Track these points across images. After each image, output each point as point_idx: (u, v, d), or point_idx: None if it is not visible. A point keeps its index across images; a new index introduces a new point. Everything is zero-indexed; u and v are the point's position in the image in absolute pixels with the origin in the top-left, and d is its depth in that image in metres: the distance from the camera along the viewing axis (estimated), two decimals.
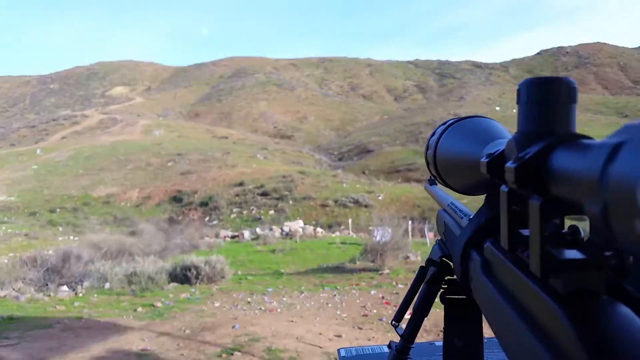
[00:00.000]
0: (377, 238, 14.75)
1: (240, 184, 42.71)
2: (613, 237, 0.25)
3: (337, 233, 28.50)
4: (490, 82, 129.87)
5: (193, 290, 12.13)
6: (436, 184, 1.01)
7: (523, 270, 0.36)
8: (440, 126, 0.68)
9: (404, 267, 14.63)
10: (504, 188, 0.38)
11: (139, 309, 10.20)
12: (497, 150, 0.42)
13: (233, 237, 27.80)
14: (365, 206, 36.28)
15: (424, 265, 0.84)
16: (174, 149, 59.57)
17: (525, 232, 0.38)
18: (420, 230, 28.40)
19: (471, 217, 0.61)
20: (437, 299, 0.82)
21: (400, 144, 67.89)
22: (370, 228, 23.50)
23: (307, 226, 28.61)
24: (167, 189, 43.08)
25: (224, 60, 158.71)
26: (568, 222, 0.35)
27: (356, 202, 37.15)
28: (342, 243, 22.32)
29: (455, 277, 0.77)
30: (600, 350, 0.28)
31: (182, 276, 13.09)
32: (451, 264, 0.79)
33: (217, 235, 28.25)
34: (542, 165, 0.33)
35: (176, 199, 40.75)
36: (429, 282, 0.82)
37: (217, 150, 61.53)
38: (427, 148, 0.69)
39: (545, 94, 0.35)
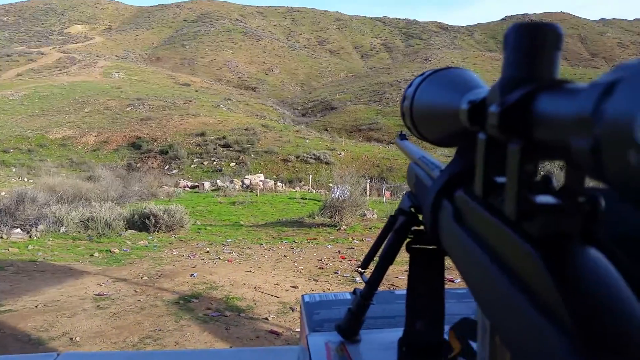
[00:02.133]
0: (337, 195, 14.90)
1: (202, 134, 41.91)
2: (602, 173, 0.25)
3: (298, 189, 28.67)
4: (455, 45, 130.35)
5: (151, 238, 12.07)
6: (407, 139, 1.03)
7: (497, 215, 0.37)
8: (417, 77, 0.66)
9: (360, 224, 14.94)
10: (481, 136, 0.39)
11: (96, 254, 10.10)
12: (478, 98, 0.42)
13: (193, 187, 27.57)
14: (326, 163, 36.29)
15: (393, 214, 0.86)
16: (133, 94, 57.63)
17: (500, 179, 0.39)
18: (378, 189, 28.85)
19: (443, 168, 0.62)
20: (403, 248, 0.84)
21: (363, 103, 67.86)
22: (330, 185, 23.65)
23: (268, 180, 28.63)
24: (125, 135, 41.95)
25: (188, 2, 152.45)
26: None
27: (317, 158, 37.17)
28: (302, 198, 22.53)
29: (422, 227, 0.80)
30: (573, 290, 0.29)
31: (140, 224, 12.98)
32: (420, 216, 0.81)
33: (176, 185, 27.93)
34: (527, 107, 0.33)
35: (135, 146, 39.78)
36: (397, 231, 0.83)
37: (179, 97, 59.92)
38: (404, 99, 0.69)
39: (534, 40, 0.36)
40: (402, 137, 1.03)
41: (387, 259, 0.85)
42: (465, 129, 0.43)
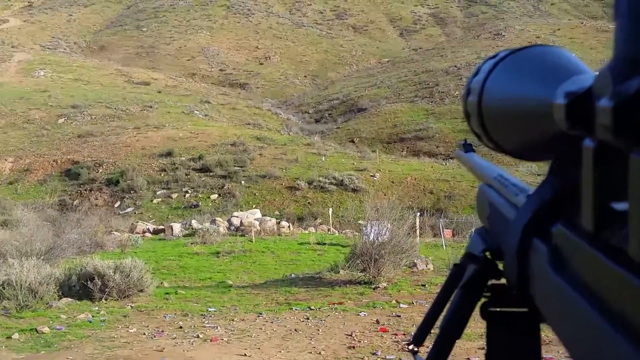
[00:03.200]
0: (371, 237, 14.88)
1: (168, 154, 42.42)
2: None
3: (312, 229, 28.64)
4: (540, 12, 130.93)
5: (97, 309, 12.13)
6: (474, 150, 1.02)
7: (617, 258, 0.36)
8: (487, 61, 0.68)
9: (408, 279, 14.81)
10: (588, 143, 0.39)
11: (15, 336, 10.14)
12: (581, 88, 0.42)
13: (157, 232, 27.61)
14: (354, 190, 36.51)
15: (458, 262, 0.85)
16: (67, 99, 58.74)
17: (619, 205, 0.38)
18: (434, 227, 28.65)
19: (531, 192, 0.62)
20: (476, 312, 0.83)
21: (406, 100, 68.12)
22: (361, 223, 23.51)
23: (267, 218, 28.54)
24: (56, 159, 42.62)
25: None
26: None
27: (340, 184, 37.30)
28: (318, 244, 22.42)
29: (504, 280, 0.77)
30: None
31: (81, 289, 13.03)
32: (498, 263, 0.80)
33: (132, 230, 28.03)
34: None
35: (70, 174, 40.36)
36: (465, 288, 0.82)
37: (134, 102, 60.89)
38: (467, 93, 0.70)
39: None
40: (467, 147, 1.04)
41: (453, 331, 0.84)
42: (563, 134, 0.43)
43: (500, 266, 0.78)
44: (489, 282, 0.80)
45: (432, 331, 0.89)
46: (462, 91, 0.72)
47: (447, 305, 0.85)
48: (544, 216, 0.52)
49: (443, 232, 24.57)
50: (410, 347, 0.91)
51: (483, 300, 0.81)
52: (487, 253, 0.80)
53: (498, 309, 0.78)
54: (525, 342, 0.78)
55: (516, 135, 0.59)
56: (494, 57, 0.67)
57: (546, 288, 0.47)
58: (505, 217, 0.69)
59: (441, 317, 0.86)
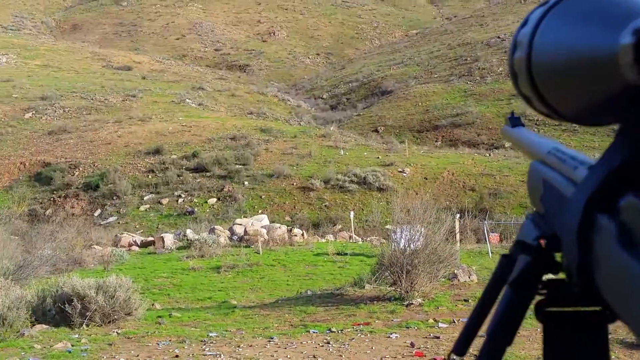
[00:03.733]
0: (401, 245, 14.95)
1: (157, 152, 42.78)
2: None
3: (330, 237, 28.67)
4: None
5: (77, 337, 12.20)
6: (523, 124, 1.04)
7: None
8: (536, 9, 0.68)
9: (448, 293, 14.83)
10: None
11: None
12: None
13: (145, 244, 27.59)
14: (379, 189, 36.55)
15: (507, 253, 0.84)
16: (34, 90, 58.95)
17: None
18: (477, 230, 28.50)
19: (593, 163, 0.62)
20: (530, 312, 0.82)
21: (440, 80, 67.86)
22: (389, 227, 23.33)
23: (277, 225, 28.54)
24: (24, 161, 42.81)
25: None
26: None
27: (363, 182, 37.38)
28: (338, 254, 22.48)
29: (562, 276, 0.78)
30: None
31: (57, 313, 13.11)
32: (556, 254, 0.79)
33: (116, 243, 28.09)
34: None
35: (41, 179, 40.49)
36: (516, 284, 0.81)
37: (114, 91, 61.08)
38: (514, 48, 0.71)
39: None
40: (515, 121, 1.06)
41: (502, 336, 0.82)
42: (632, 88, 0.44)
43: (559, 257, 0.77)
44: (545, 277, 0.79)
45: (478, 337, 0.87)
46: (509, 49, 0.72)
47: (495, 306, 0.84)
48: (611, 188, 0.52)
49: (488, 236, 24.44)
50: (452, 357, 0.91)
51: (538, 298, 0.79)
52: (542, 242, 0.78)
53: (556, 309, 0.78)
54: (591, 347, 0.77)
55: (574, 95, 0.59)
56: (544, 3, 0.67)
57: (615, 272, 0.47)
58: (562, 195, 0.69)
59: (488, 320, 0.86)
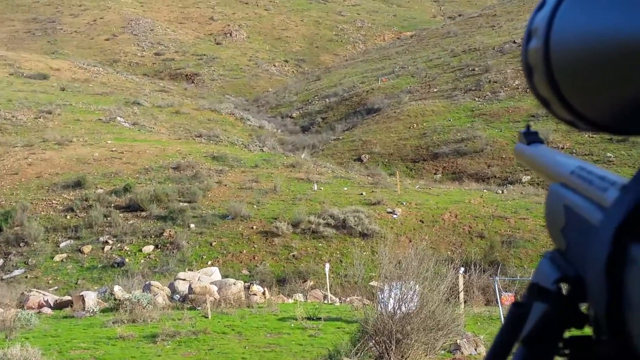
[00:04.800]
0: (390, 306, 15.18)
1: (78, 185, 42.67)
2: None
3: (300, 296, 29.06)
4: None
5: None
6: (541, 141, 1.07)
7: None
8: None
9: None
10: None
11: None
12: None
13: (61, 305, 27.22)
14: (363, 235, 36.69)
15: (519, 301, 0.84)
16: None
17: None
18: (486, 289, 28.40)
19: (625, 183, 0.63)
20: None
21: (441, 95, 68.18)
22: (374, 284, 23.29)
23: (231, 281, 28.50)
24: None
25: None
26: None
27: (342, 226, 37.55)
28: (310, 319, 22.60)
29: (588, 330, 0.77)
30: None
31: None
32: (579, 299, 0.78)
33: (23, 303, 27.68)
34: None
35: None
36: (531, 342, 0.80)
37: (24, 106, 60.83)
38: (529, 37, 0.72)
39: None
40: (531, 137, 1.07)
41: None
42: None
43: (584, 308, 0.76)
44: (567, 332, 0.78)
45: None
46: (522, 41, 0.74)
47: None
48: None
49: (500, 297, 24.43)
50: None
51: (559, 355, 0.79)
52: (564, 285, 0.79)
53: None
54: None
55: (606, 94, 0.58)
56: None
57: None
58: (588, 225, 0.69)
59: None
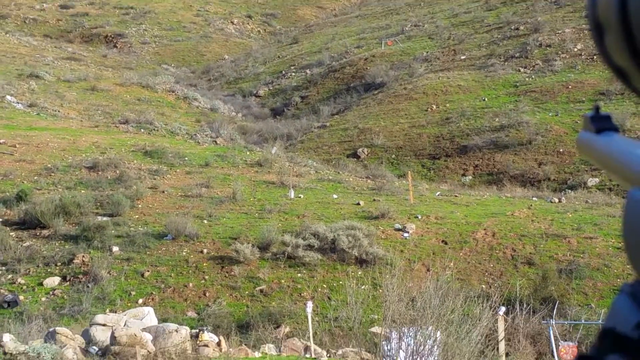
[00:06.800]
0: None
1: None
2: None
3: (270, 348, 29.21)
4: None
5: None
6: (615, 128, 1.04)
7: None
8: None
9: None
10: None
11: None
12: None
13: None
14: (361, 261, 36.94)
15: (586, 354, 0.87)
16: None
17: None
18: (537, 336, 28.35)
19: None
20: None
21: (470, 65, 68.20)
22: (376, 331, 23.39)
23: (171, 326, 28.31)
24: None
25: None
26: None
27: (331, 248, 37.85)
28: None
29: None
30: None
31: None
32: None
33: None
34: None
35: None
36: None
37: None
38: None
39: None
40: (601, 122, 1.06)
41: None
42: None
43: None
44: None
45: None
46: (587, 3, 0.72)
47: None
48: None
49: (558, 347, 24.54)
50: None
51: None
52: None
53: None
54: None
55: None
56: None
57: None
58: None
59: None
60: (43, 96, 65.16)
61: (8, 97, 61.73)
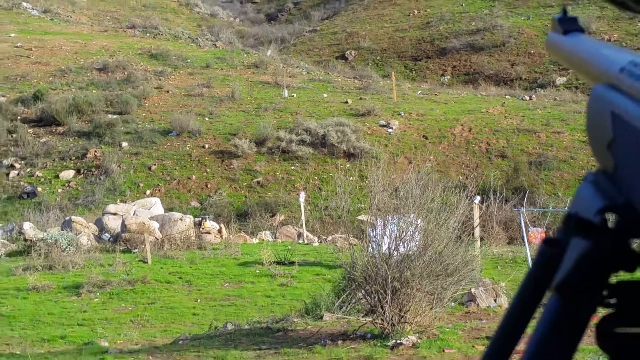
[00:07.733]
0: (385, 246, 15.32)
1: None
2: None
3: (267, 234, 29.52)
4: None
5: None
6: (581, 29, 1.08)
7: None
8: None
9: (460, 326, 15.08)
10: None
11: None
12: None
13: None
14: (349, 155, 37.01)
15: (552, 238, 0.86)
16: None
17: None
18: (509, 223, 28.43)
19: None
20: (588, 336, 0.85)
21: None
22: (363, 219, 23.40)
23: (177, 215, 28.20)
24: None
25: None
26: None
27: (321, 143, 37.90)
28: (280, 263, 23.11)
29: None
30: None
31: None
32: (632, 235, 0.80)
33: None
34: None
35: None
36: (567, 289, 0.82)
37: None
38: None
39: None
40: (568, 23, 1.10)
41: None
42: None
43: (637, 245, 0.76)
44: (613, 278, 0.78)
45: None
46: None
47: (533, 327, 0.86)
48: None
49: (527, 233, 24.51)
50: None
51: (602, 313, 0.80)
52: (611, 216, 0.78)
53: (633, 330, 0.78)
54: None
55: None
56: None
57: None
58: None
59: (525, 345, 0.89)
60: (56, 2, 64.52)
61: (24, 3, 61.22)
